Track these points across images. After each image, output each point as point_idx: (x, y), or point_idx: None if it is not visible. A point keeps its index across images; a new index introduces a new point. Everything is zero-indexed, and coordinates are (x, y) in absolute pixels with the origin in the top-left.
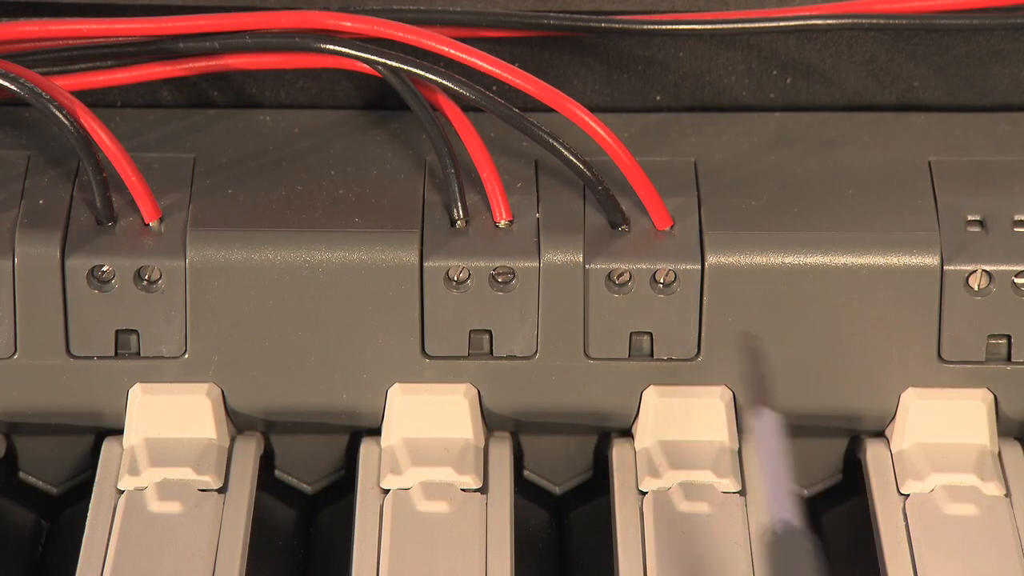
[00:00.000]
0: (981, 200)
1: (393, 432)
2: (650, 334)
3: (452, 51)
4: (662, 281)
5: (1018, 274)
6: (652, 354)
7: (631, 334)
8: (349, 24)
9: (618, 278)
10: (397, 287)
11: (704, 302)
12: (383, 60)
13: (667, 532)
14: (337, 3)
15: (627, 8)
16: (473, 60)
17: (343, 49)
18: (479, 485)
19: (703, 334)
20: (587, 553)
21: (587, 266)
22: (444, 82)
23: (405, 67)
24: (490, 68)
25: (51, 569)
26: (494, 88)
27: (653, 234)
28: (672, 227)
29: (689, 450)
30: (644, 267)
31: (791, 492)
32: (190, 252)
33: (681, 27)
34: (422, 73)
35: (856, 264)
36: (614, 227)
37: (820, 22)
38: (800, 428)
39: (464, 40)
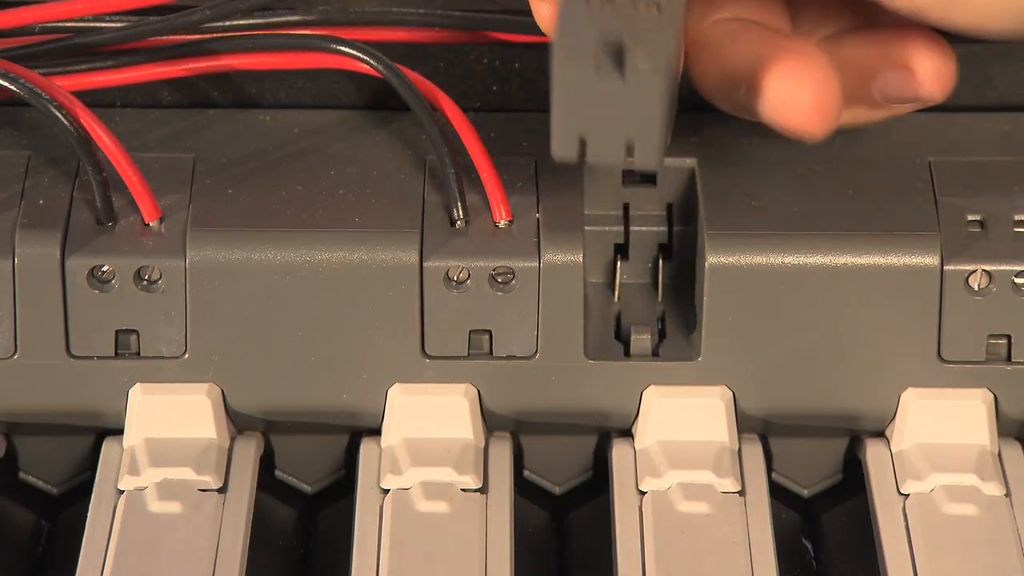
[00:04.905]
0: (981, 200)
1: (393, 432)
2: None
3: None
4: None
5: (1018, 274)
6: (652, 354)
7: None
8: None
9: None
10: (397, 287)
11: (704, 302)
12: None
13: (666, 532)
14: (336, 3)
15: None
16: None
17: (344, 49)
18: (479, 485)
19: (703, 334)
20: (587, 553)
21: (587, 266)
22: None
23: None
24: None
25: (51, 569)
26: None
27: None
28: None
29: (689, 450)
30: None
31: None
32: (190, 252)
33: None
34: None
35: (856, 264)
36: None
37: None
38: (800, 428)
39: (464, 43)
